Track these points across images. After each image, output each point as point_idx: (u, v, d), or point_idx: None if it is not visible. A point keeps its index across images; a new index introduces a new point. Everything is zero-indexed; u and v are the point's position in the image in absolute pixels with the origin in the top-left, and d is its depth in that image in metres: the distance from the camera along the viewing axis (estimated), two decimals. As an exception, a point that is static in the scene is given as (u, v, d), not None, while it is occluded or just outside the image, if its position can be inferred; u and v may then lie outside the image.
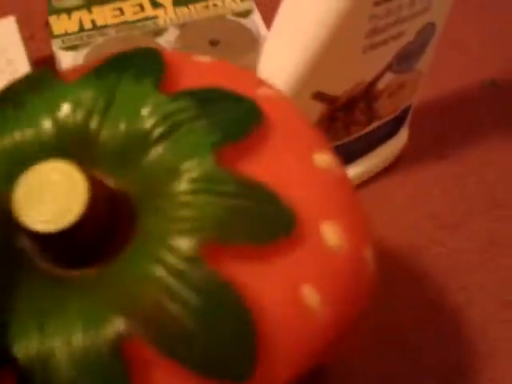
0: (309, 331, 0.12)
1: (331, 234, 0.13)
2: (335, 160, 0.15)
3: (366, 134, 0.24)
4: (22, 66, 0.29)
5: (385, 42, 0.20)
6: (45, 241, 0.12)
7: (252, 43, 0.31)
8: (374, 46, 0.20)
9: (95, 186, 0.12)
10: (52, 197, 0.12)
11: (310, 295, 0.12)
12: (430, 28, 0.22)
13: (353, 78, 0.21)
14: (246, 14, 0.34)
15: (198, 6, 0.34)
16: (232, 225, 0.12)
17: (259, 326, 0.12)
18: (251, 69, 0.30)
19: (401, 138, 0.27)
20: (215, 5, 0.34)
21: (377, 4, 0.19)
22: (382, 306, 0.23)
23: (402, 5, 0.19)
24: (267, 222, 0.12)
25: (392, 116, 0.24)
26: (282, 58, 0.20)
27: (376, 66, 0.21)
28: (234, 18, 0.34)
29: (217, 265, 0.12)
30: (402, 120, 0.26)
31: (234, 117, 0.14)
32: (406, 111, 0.25)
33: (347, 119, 0.23)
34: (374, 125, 0.24)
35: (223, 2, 0.35)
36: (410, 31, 0.21)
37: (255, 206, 0.12)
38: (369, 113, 0.23)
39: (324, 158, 0.14)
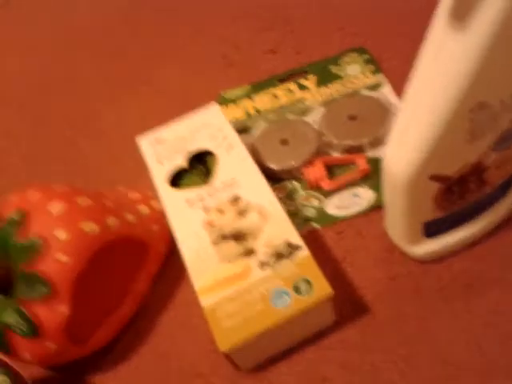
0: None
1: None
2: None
3: (480, 198, 0.30)
4: (234, 141, 0.35)
5: (483, 134, 0.26)
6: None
7: (384, 115, 0.37)
8: (475, 138, 0.26)
9: None
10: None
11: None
12: (523, 115, 0.26)
13: (460, 161, 0.27)
14: (377, 86, 0.40)
15: (337, 83, 0.41)
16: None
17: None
18: (384, 140, 0.35)
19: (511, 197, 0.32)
20: (350, 82, 0.41)
21: (472, 111, 0.24)
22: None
23: (496, 111, 0.25)
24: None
25: (502, 181, 0.30)
26: (405, 151, 0.26)
27: (478, 151, 0.26)
28: (367, 92, 0.40)
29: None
30: (511, 182, 0.31)
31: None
32: (514, 174, 0.30)
33: (462, 190, 0.28)
34: (486, 190, 0.29)
35: (356, 78, 0.41)
36: (505, 122, 0.26)
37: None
38: (480, 182, 0.28)
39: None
